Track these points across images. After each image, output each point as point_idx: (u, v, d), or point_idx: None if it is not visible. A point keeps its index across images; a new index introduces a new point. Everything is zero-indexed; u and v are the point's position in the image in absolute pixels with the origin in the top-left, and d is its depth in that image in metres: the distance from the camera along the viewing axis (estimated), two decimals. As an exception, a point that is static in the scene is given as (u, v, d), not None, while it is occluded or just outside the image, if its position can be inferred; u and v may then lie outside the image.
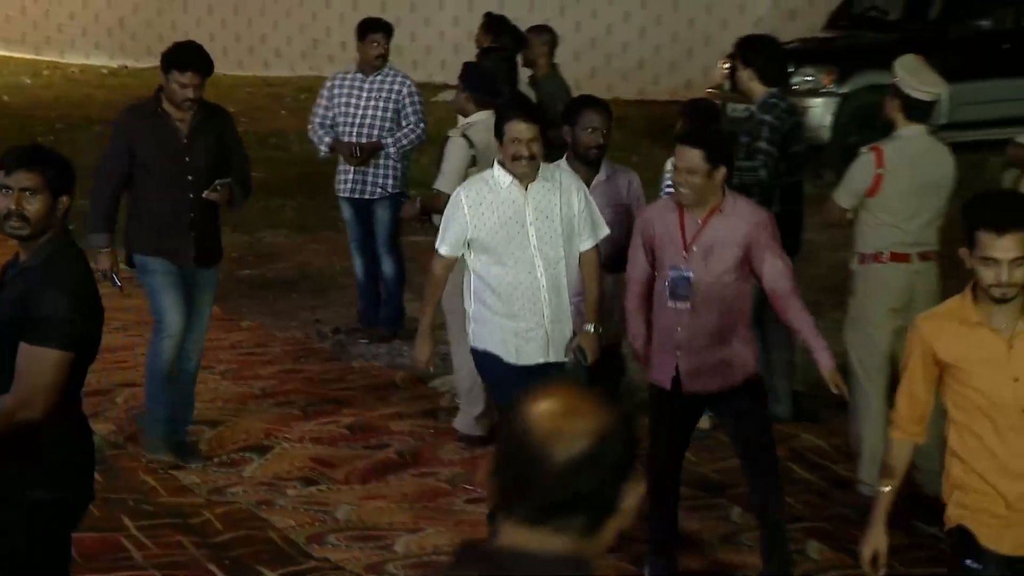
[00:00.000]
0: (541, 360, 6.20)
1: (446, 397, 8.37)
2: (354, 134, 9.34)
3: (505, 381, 6.17)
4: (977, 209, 4.55)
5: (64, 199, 4.84)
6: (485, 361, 6.28)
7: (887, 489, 4.82)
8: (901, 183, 6.86)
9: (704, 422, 7.08)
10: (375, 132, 9.32)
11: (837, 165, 11.49)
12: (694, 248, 5.91)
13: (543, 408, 2.38)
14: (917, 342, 4.68)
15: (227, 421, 8.02)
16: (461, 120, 7.99)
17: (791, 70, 13.09)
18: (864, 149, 7.03)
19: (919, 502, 6.44)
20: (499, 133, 6.15)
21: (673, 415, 6.04)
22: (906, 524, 6.72)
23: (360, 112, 9.34)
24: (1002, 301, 4.50)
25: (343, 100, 9.38)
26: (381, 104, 9.34)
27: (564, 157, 6.85)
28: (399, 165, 9.39)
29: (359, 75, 9.41)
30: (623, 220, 6.82)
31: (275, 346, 9.49)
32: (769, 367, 7.54)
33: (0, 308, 4.76)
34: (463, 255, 6.28)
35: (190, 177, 7.25)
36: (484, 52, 9.15)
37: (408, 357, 9.21)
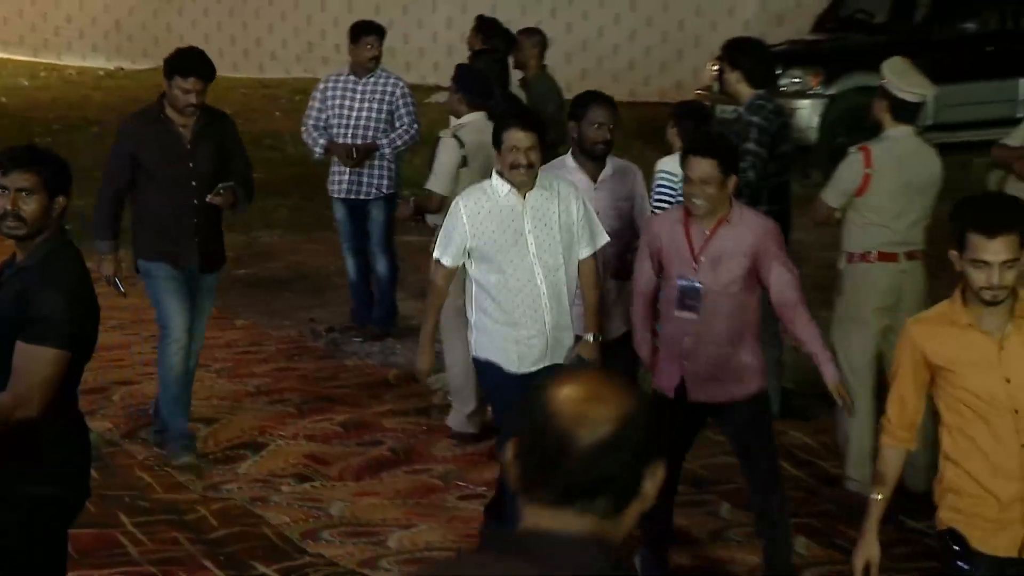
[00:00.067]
0: (543, 367, 6.08)
1: (439, 395, 8.37)
2: (349, 136, 9.32)
3: (505, 389, 6.08)
4: (967, 211, 4.50)
5: (60, 199, 4.83)
6: (486, 370, 6.20)
7: (879, 497, 4.75)
8: (889, 183, 6.86)
9: None
10: (369, 134, 9.31)
11: (825, 165, 11.50)
12: (702, 258, 5.83)
13: (567, 393, 2.39)
14: (907, 347, 4.64)
15: (222, 419, 8.02)
16: (453, 121, 7.99)
17: (779, 72, 13.13)
18: (853, 149, 7.03)
19: (905, 498, 6.43)
20: (497, 142, 6.07)
21: (675, 422, 5.93)
22: (893, 520, 6.73)
23: (354, 114, 9.33)
24: (992, 304, 4.46)
25: (337, 102, 9.36)
26: (375, 106, 9.33)
27: (569, 152, 6.78)
28: (393, 166, 9.39)
29: (352, 77, 9.39)
30: (629, 215, 6.78)
31: (270, 344, 9.49)
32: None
33: (-3, 307, 4.75)
34: (463, 264, 6.21)
35: (194, 182, 7.21)
36: (476, 54, 9.15)
37: (401, 355, 9.21)
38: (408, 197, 8.51)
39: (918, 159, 6.98)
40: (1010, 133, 7.68)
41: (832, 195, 7.01)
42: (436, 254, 6.21)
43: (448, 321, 7.79)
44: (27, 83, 20.17)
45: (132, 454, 7.60)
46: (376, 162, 9.32)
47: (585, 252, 6.25)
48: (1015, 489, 4.52)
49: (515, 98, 9.02)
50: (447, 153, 7.79)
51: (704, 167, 5.74)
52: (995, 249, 4.38)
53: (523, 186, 6.06)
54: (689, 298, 5.86)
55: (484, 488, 7.19)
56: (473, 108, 7.89)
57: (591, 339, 6.29)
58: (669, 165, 7.31)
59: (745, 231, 5.86)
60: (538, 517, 2.38)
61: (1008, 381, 4.50)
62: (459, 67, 8.20)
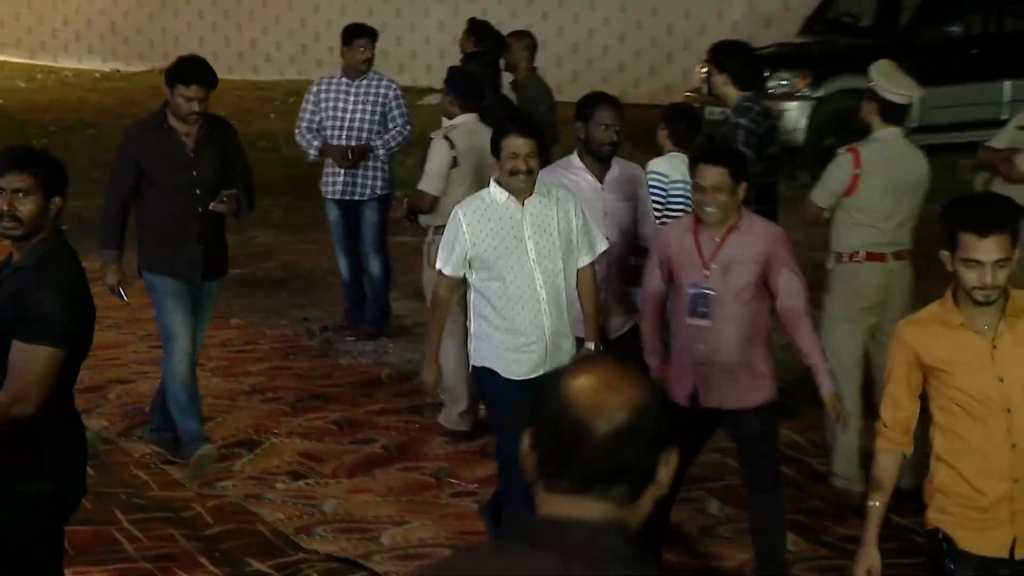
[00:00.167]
0: (540, 373, 5.99)
1: (431, 394, 8.34)
2: (343, 137, 9.31)
3: (503, 396, 6.01)
4: (958, 211, 4.47)
5: (56, 200, 4.82)
6: (484, 377, 6.11)
7: (876, 504, 4.68)
8: (877, 184, 6.86)
9: None
10: (363, 135, 9.30)
11: (812, 167, 11.52)
12: (713, 266, 5.80)
13: (582, 384, 2.41)
14: (900, 349, 4.59)
15: (217, 417, 8.00)
16: (446, 122, 7.99)
17: (767, 74, 13.14)
18: (842, 150, 7.03)
19: (893, 494, 6.42)
20: (496, 149, 6.00)
21: (686, 430, 5.86)
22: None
23: (348, 116, 9.32)
24: (985, 303, 4.41)
25: (330, 104, 9.35)
26: (369, 108, 9.32)
27: (575, 153, 6.72)
28: (386, 167, 9.38)
29: (345, 79, 9.38)
30: (635, 214, 6.75)
31: (264, 343, 9.48)
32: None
33: (-6, 307, 4.74)
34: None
35: (197, 190, 7.16)
36: (468, 57, 9.14)
37: (394, 354, 9.22)
38: (401, 199, 8.50)
39: (906, 160, 6.99)
40: (996, 135, 7.69)
41: (821, 195, 7.01)
42: (438, 265, 6.12)
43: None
44: (24, 85, 20.14)
45: (128, 452, 7.60)
46: (370, 163, 9.31)
47: (584, 260, 6.16)
48: (1004, 489, 4.48)
49: (507, 100, 9.02)
50: (438, 154, 7.78)
51: (715, 175, 5.71)
52: (987, 248, 4.34)
53: (522, 193, 5.98)
54: (701, 305, 5.81)
55: (476, 485, 7.19)
56: (465, 110, 7.89)
57: (592, 348, 6.18)
58: (659, 166, 7.31)
59: (755, 238, 5.82)
60: (556, 505, 2.41)
61: (1001, 380, 4.45)
62: (451, 69, 8.19)
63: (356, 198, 9.35)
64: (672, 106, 8.12)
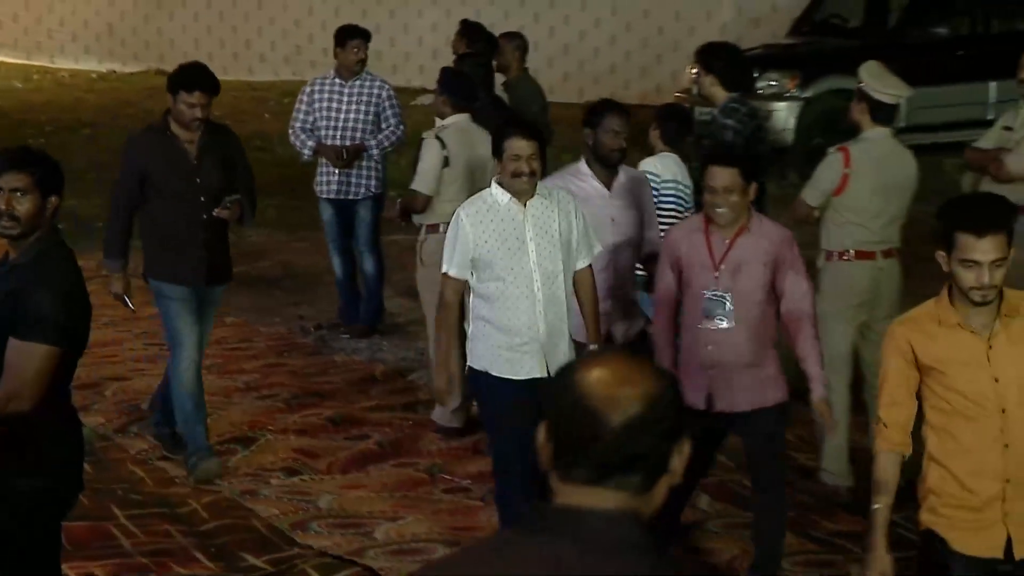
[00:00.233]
0: (537, 375, 5.94)
1: (424, 390, 8.36)
2: (337, 137, 9.31)
3: (497, 396, 5.98)
4: (955, 212, 4.43)
5: (53, 199, 4.83)
6: (479, 377, 6.05)
7: (879, 506, 4.61)
8: (867, 183, 6.87)
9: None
10: (357, 135, 9.30)
11: (801, 166, 11.53)
12: (723, 267, 5.77)
13: (596, 376, 2.43)
14: (895, 348, 4.54)
15: (213, 414, 7.98)
16: (438, 122, 7.99)
17: (756, 75, 13.14)
18: (832, 150, 7.04)
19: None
20: (498, 150, 5.94)
21: (699, 433, 5.73)
22: (867, 511, 6.73)
23: (342, 116, 9.31)
24: (982, 303, 4.37)
25: (324, 105, 9.34)
26: (362, 108, 9.32)
27: (583, 160, 6.65)
28: (380, 166, 9.39)
29: (338, 80, 9.37)
30: (642, 220, 6.70)
31: (259, 341, 9.47)
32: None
33: (-9, 305, 4.74)
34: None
35: (202, 197, 7.09)
36: (461, 58, 9.15)
37: (388, 352, 9.22)
38: (395, 198, 8.50)
39: (895, 160, 7.00)
40: (983, 136, 7.71)
41: (811, 194, 7.02)
42: (443, 268, 6.04)
43: (432, 317, 7.78)
44: (20, 85, 20.11)
45: (124, 448, 7.59)
46: (364, 163, 9.31)
47: (583, 262, 6.12)
48: (996, 489, 4.45)
49: (499, 101, 9.03)
50: (429, 154, 7.79)
51: (726, 176, 5.69)
52: (984, 249, 4.30)
53: (524, 194, 5.93)
54: (716, 307, 5.77)
55: (468, 481, 7.20)
56: (457, 110, 7.89)
57: (595, 349, 6.16)
58: (651, 165, 7.31)
59: (764, 240, 5.80)
60: (572, 495, 2.43)
61: (996, 380, 4.41)
62: (444, 70, 8.19)
63: (350, 197, 9.35)
64: (664, 107, 8.13)
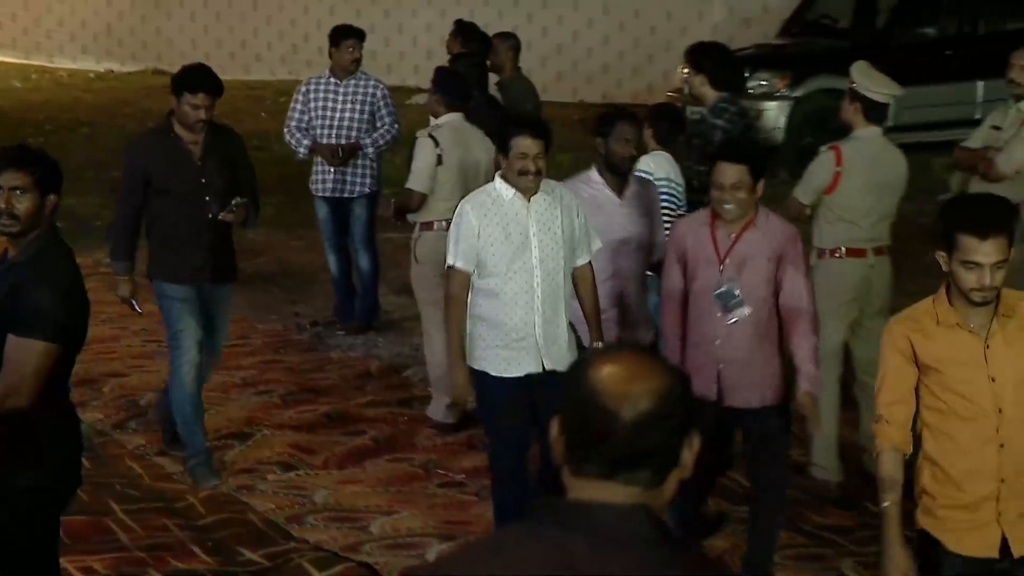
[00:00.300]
0: (533, 370, 5.93)
1: (419, 386, 8.36)
2: (332, 136, 9.31)
3: (494, 395, 5.96)
4: (958, 213, 4.39)
5: (52, 197, 4.83)
6: (477, 376, 6.02)
7: (888, 504, 4.53)
8: (858, 181, 6.87)
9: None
10: (352, 134, 9.29)
11: (791, 165, 11.54)
12: (727, 262, 5.75)
13: (608, 371, 2.44)
14: (894, 347, 4.50)
15: (210, 409, 7.96)
16: (433, 121, 7.99)
17: (747, 75, 13.15)
18: (823, 148, 7.04)
19: (867, 483, 6.45)
20: (504, 147, 5.93)
21: (711, 428, 5.72)
22: (857, 505, 6.75)
23: (337, 115, 9.31)
24: (982, 304, 4.35)
25: (320, 104, 9.34)
26: (357, 107, 9.31)
27: (594, 168, 6.60)
28: (375, 164, 9.38)
29: (333, 80, 9.36)
30: (652, 225, 6.67)
31: (256, 338, 9.47)
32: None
33: (-10, 302, 4.74)
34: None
35: (206, 198, 7.06)
36: (455, 57, 9.14)
37: (383, 348, 9.22)
38: (389, 196, 8.50)
39: (886, 159, 7.00)
40: (971, 135, 7.71)
41: (803, 192, 7.02)
42: (448, 261, 6.00)
43: (427, 314, 7.79)
44: (19, 85, 20.09)
45: (122, 444, 7.59)
46: (359, 161, 9.31)
47: (583, 259, 6.11)
48: (989, 489, 4.42)
49: (494, 100, 9.02)
50: (423, 152, 7.79)
51: (735, 173, 5.66)
52: (986, 251, 4.26)
53: (528, 191, 5.93)
54: (732, 301, 5.74)
55: (463, 476, 7.20)
56: (451, 110, 7.89)
57: (598, 347, 6.09)
58: (644, 164, 7.31)
59: (769, 235, 5.78)
60: (585, 489, 2.44)
61: (994, 381, 4.39)
62: (438, 70, 8.18)
63: (345, 195, 9.34)
64: (656, 106, 8.14)
